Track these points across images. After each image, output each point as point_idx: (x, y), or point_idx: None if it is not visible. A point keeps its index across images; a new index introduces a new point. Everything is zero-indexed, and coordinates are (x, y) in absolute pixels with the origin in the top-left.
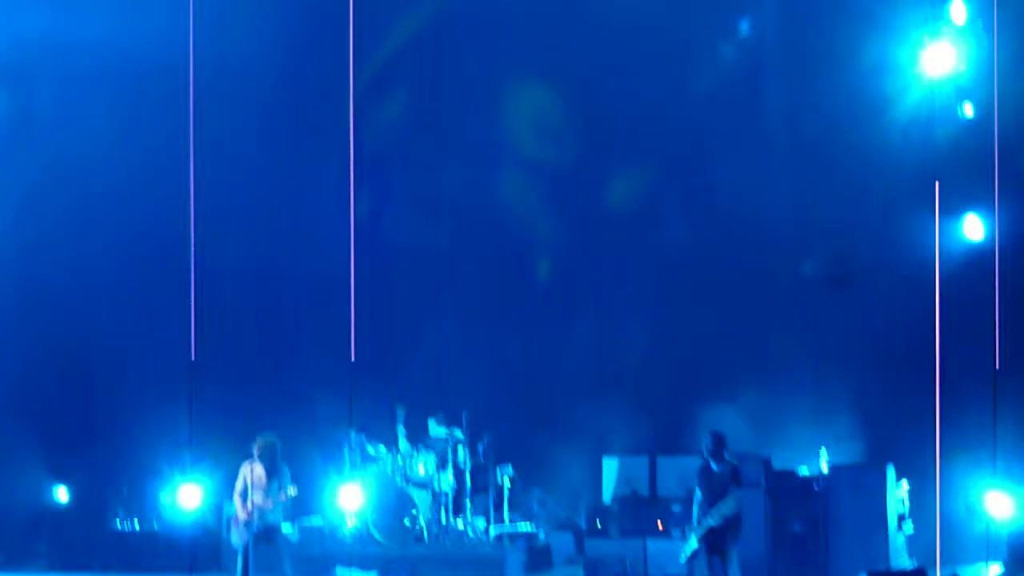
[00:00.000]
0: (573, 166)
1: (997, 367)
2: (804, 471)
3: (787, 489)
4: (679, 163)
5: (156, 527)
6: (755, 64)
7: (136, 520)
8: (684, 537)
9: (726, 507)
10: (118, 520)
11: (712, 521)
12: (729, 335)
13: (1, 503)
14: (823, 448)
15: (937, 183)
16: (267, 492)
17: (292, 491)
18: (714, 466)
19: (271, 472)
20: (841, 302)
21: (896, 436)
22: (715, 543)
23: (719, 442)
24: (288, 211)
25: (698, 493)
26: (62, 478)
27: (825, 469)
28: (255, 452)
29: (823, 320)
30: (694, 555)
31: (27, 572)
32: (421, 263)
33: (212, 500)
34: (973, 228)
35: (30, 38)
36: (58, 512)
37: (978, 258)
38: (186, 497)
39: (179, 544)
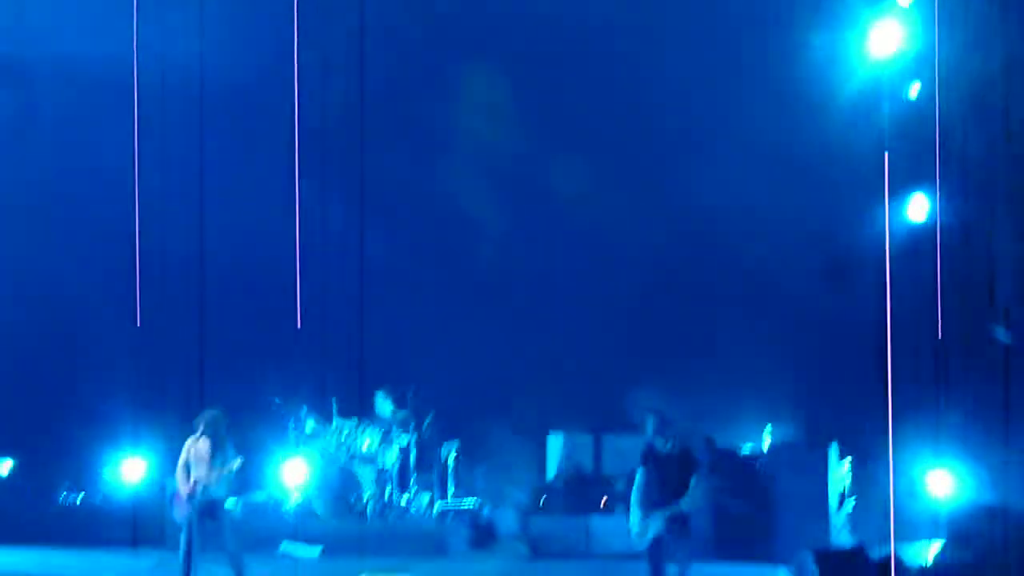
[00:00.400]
0: (522, 151)
1: (941, 347)
2: (747, 449)
3: (730, 467)
4: (627, 150)
5: (99, 502)
6: (704, 53)
7: (79, 495)
8: (643, 519)
9: (699, 494)
10: (62, 495)
11: (685, 507)
12: (674, 316)
13: None
14: (768, 427)
15: (887, 164)
16: (211, 466)
17: (236, 464)
18: (660, 446)
19: (215, 446)
20: (788, 283)
21: (841, 416)
22: (680, 528)
23: (663, 421)
24: (236, 190)
25: (641, 473)
26: (5, 451)
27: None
28: (199, 426)
29: (770, 301)
30: (657, 539)
31: None
32: (368, 243)
33: (155, 475)
34: (917, 209)
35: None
36: (1, 485)
37: (922, 239)
38: (129, 471)
39: (122, 519)
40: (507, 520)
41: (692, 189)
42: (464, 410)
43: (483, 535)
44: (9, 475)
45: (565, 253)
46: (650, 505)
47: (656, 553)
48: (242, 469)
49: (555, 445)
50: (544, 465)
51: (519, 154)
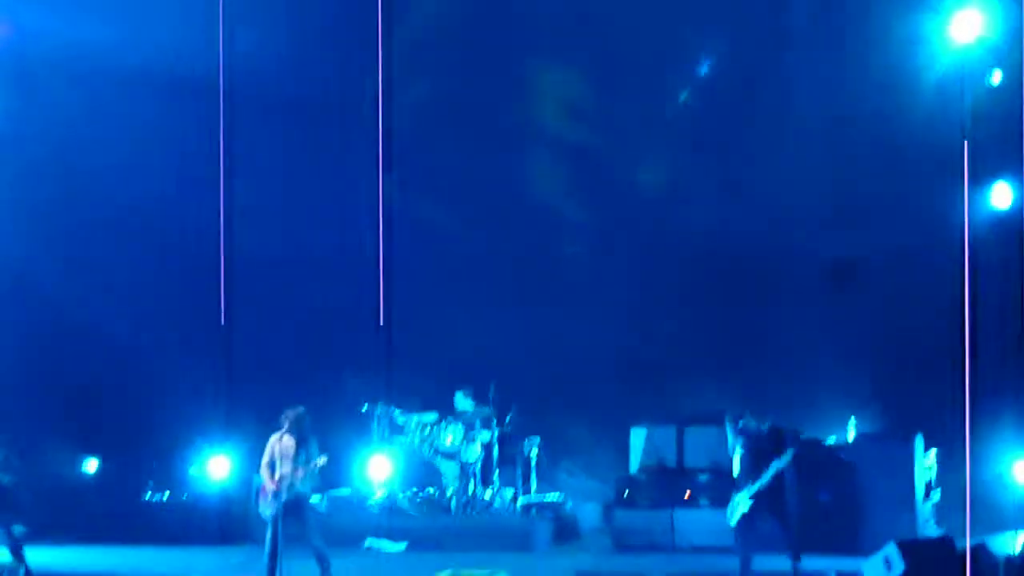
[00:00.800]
0: (602, 146)
1: None
2: (832, 441)
3: (815, 459)
4: (708, 142)
5: (185, 499)
6: (785, 40)
7: (166, 492)
8: (735, 497)
9: (781, 463)
10: (148, 492)
11: (764, 480)
12: (758, 309)
13: (32, 476)
14: (852, 419)
15: (967, 151)
16: (295, 463)
17: (322, 461)
18: (754, 428)
19: (299, 443)
20: (872, 273)
21: (925, 406)
22: (771, 503)
23: (734, 420)
24: (319, 193)
25: (739, 452)
26: (92, 450)
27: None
28: (284, 424)
29: (853, 291)
30: (744, 519)
31: (57, 545)
32: (452, 242)
33: (241, 472)
34: (1001, 196)
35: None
36: (88, 485)
37: (1006, 226)
38: (215, 469)
39: (208, 516)
40: (590, 514)
41: (771, 177)
42: (546, 405)
43: (566, 529)
44: (96, 474)
45: (646, 247)
46: (742, 485)
47: (742, 531)
48: (327, 466)
49: (638, 438)
50: (627, 459)
51: (601, 148)
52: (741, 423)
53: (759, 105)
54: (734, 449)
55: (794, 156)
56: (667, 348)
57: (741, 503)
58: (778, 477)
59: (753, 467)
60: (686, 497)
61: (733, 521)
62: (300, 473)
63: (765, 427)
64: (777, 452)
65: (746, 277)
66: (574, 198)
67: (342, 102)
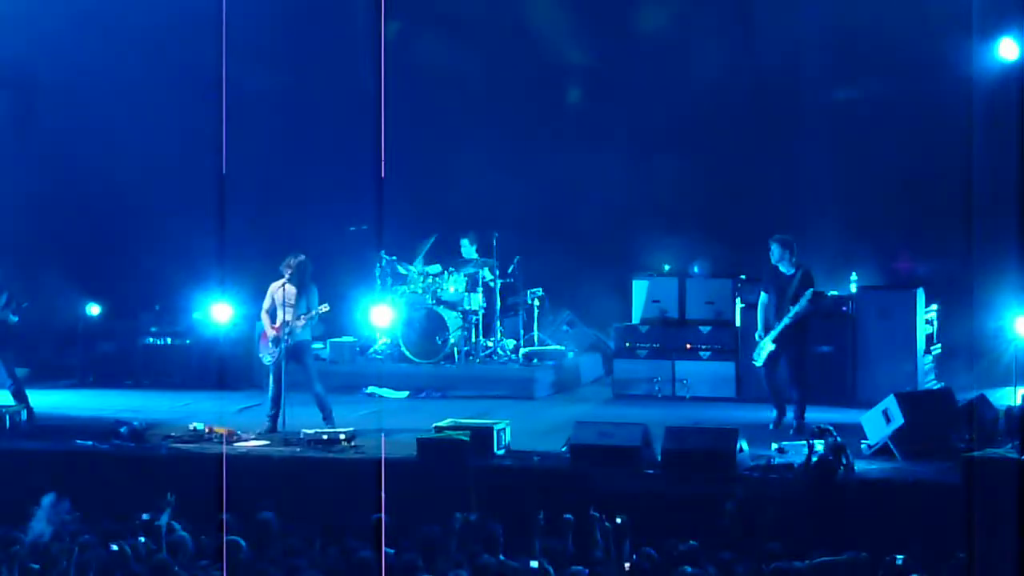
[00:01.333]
0: None
1: None
2: (833, 293)
3: (816, 310)
4: None
5: (188, 343)
6: None
7: (168, 338)
8: (761, 338)
9: (800, 306)
10: (150, 336)
11: (787, 320)
12: (759, 159)
13: (34, 320)
14: (853, 274)
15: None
16: (296, 310)
17: (324, 308)
18: (784, 269)
19: (300, 291)
20: (876, 125)
21: (927, 259)
22: (785, 343)
23: (787, 245)
24: (317, 33)
25: (764, 296)
26: (95, 295)
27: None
28: (284, 272)
29: (856, 144)
30: (770, 359)
31: (60, 388)
32: (453, 86)
33: (243, 317)
34: (1008, 48)
35: None
36: (91, 328)
37: (1012, 78)
38: (218, 313)
39: (210, 360)
40: (591, 364)
41: (778, 20)
42: (549, 255)
43: (567, 379)
44: (99, 317)
45: (653, 99)
46: (769, 326)
47: (768, 372)
48: (329, 314)
49: (640, 289)
50: (629, 309)
51: None
52: (774, 261)
53: None
54: (766, 286)
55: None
56: (669, 197)
57: (767, 344)
58: (801, 321)
59: (780, 308)
60: (686, 348)
61: (760, 361)
62: (301, 321)
63: (796, 273)
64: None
65: (750, 126)
66: (577, 41)
67: None
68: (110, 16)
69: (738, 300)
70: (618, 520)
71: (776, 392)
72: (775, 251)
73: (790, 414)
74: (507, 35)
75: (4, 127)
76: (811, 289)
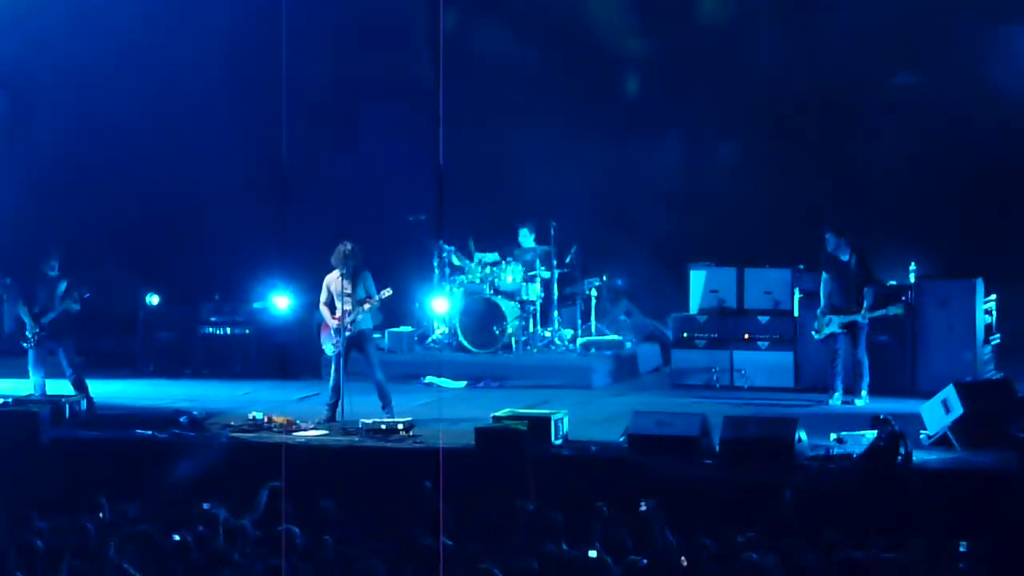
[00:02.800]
0: None
1: None
2: (892, 283)
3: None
4: None
5: (247, 332)
6: None
7: (228, 326)
8: (822, 317)
9: (894, 310)
10: (210, 326)
11: (862, 318)
12: (818, 148)
13: (95, 310)
14: (912, 264)
15: None
16: (355, 299)
17: (386, 293)
18: (841, 255)
19: (356, 279)
20: (936, 115)
21: (987, 250)
22: (854, 335)
23: (840, 232)
24: (377, 23)
25: (825, 280)
26: (155, 284)
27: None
28: (335, 262)
29: (915, 134)
30: (830, 336)
31: (120, 377)
32: (511, 76)
33: (303, 306)
34: None
35: None
36: (151, 318)
37: None
38: (278, 303)
39: (270, 349)
40: (649, 354)
41: (841, 18)
42: (606, 245)
43: (625, 369)
44: (159, 307)
45: (711, 89)
46: (830, 308)
47: (829, 347)
48: (387, 302)
49: (698, 279)
50: (687, 299)
51: None
52: (830, 250)
53: None
54: (827, 270)
55: None
56: (728, 187)
57: (833, 323)
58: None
59: (843, 291)
60: (744, 338)
61: (821, 335)
62: (365, 306)
63: (853, 258)
64: (867, 282)
65: (808, 115)
66: (635, 31)
67: None
68: (187, 7)
69: (796, 290)
70: (642, 507)
71: (833, 369)
72: (830, 240)
73: (841, 394)
74: (564, 25)
75: (70, 119)
76: (868, 290)
